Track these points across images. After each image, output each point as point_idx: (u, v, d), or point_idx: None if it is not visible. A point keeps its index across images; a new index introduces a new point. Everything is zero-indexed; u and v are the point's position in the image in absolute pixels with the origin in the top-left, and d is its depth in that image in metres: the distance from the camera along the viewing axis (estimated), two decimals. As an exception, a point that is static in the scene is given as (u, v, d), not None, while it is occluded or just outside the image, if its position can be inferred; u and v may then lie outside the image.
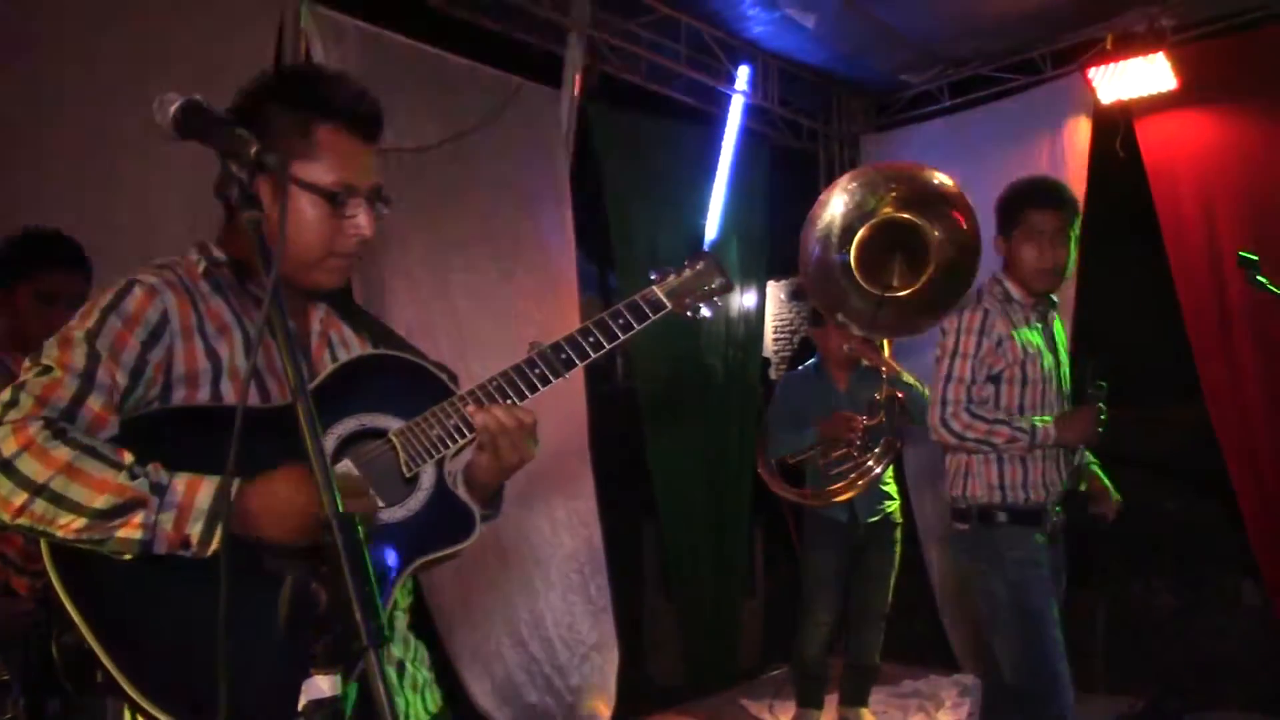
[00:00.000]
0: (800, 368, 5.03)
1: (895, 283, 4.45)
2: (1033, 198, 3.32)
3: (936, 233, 4.31)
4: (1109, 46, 5.26)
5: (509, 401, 1.73)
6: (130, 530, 1.41)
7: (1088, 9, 5.18)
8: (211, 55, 3.56)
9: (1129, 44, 5.14)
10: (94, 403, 1.50)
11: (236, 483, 1.45)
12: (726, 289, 1.94)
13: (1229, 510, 5.01)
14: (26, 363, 1.52)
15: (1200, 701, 5.03)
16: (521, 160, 4.75)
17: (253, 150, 1.32)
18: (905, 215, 4.29)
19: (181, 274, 1.66)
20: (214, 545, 1.44)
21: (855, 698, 4.85)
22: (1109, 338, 5.44)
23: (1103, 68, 5.20)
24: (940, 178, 4.20)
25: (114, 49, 3.36)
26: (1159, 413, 5.62)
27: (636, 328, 1.83)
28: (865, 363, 4.65)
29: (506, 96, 4.61)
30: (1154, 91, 5.12)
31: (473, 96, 4.52)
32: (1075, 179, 5.24)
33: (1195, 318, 5.09)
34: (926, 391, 3.90)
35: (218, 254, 1.70)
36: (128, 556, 1.43)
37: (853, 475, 4.54)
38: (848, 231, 4.37)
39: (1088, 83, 5.28)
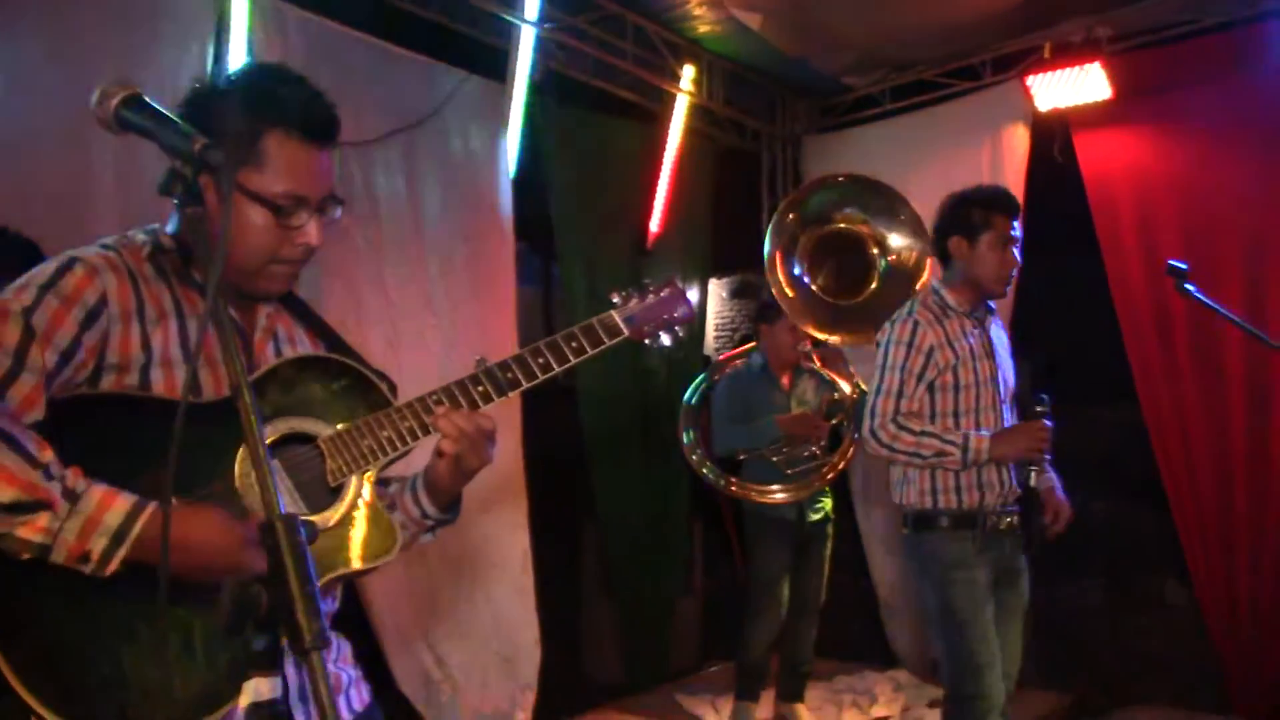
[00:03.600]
0: (744, 364, 4.98)
1: (821, 282, 4.55)
2: (1000, 204, 3.34)
3: (875, 251, 4.42)
4: (1047, 55, 5.32)
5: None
6: (31, 532, 1.36)
7: (1029, 17, 5.23)
8: (145, 43, 3.49)
9: (1066, 53, 5.21)
10: (23, 384, 1.44)
11: (152, 507, 1.41)
12: (688, 318, 1.94)
13: (1157, 511, 5.11)
14: None
15: (1127, 697, 5.15)
16: (465, 154, 4.71)
17: (197, 146, 1.28)
18: (861, 228, 4.38)
19: (125, 255, 1.60)
20: (113, 566, 1.39)
21: (791, 694, 4.90)
22: (1045, 339, 5.52)
23: (1041, 75, 5.26)
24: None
25: (40, 35, 3.25)
26: (1093, 413, 5.72)
27: (590, 352, 1.84)
28: (805, 363, 4.70)
29: (452, 90, 4.57)
30: (1089, 100, 5.17)
31: (417, 89, 4.47)
32: (1014, 184, 5.30)
33: (1131, 323, 5.15)
34: None
35: (164, 239, 1.65)
36: (26, 556, 1.37)
37: (820, 472, 4.61)
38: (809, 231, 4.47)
39: (1026, 90, 5.34)
